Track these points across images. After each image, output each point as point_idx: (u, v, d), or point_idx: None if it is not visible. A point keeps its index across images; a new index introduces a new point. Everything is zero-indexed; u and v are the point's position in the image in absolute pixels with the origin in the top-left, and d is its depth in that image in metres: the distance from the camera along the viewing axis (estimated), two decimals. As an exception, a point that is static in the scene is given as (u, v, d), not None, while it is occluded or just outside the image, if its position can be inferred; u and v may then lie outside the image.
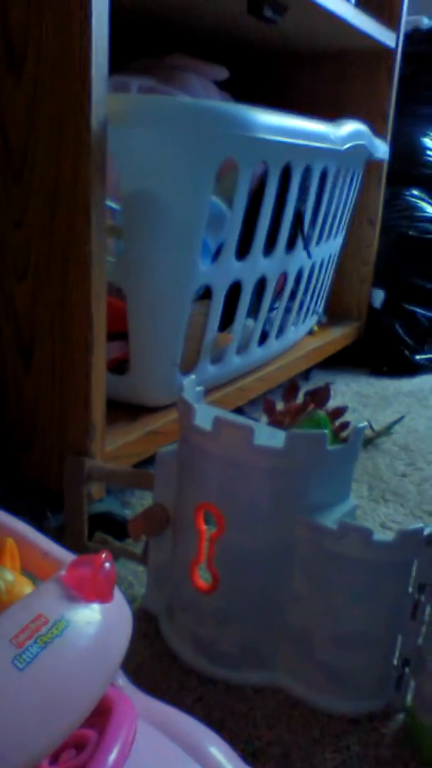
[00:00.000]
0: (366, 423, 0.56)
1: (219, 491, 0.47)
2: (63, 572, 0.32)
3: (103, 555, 0.32)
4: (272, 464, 0.45)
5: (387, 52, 1.16)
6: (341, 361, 1.29)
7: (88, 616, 0.30)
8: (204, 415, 0.48)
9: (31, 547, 0.35)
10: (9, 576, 0.33)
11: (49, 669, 0.27)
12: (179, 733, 0.34)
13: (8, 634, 0.28)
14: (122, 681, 0.37)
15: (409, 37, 1.46)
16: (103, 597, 0.31)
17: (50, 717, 0.27)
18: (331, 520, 0.46)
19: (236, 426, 0.45)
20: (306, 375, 1.19)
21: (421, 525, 0.45)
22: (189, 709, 0.46)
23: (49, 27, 0.53)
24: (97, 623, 0.30)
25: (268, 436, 0.48)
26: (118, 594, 0.33)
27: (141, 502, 0.73)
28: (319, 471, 0.46)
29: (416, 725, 0.45)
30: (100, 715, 0.32)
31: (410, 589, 0.46)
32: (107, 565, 0.32)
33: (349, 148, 0.88)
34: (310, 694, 0.48)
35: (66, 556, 0.35)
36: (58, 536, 0.60)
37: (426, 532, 0.45)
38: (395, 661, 0.48)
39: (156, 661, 0.51)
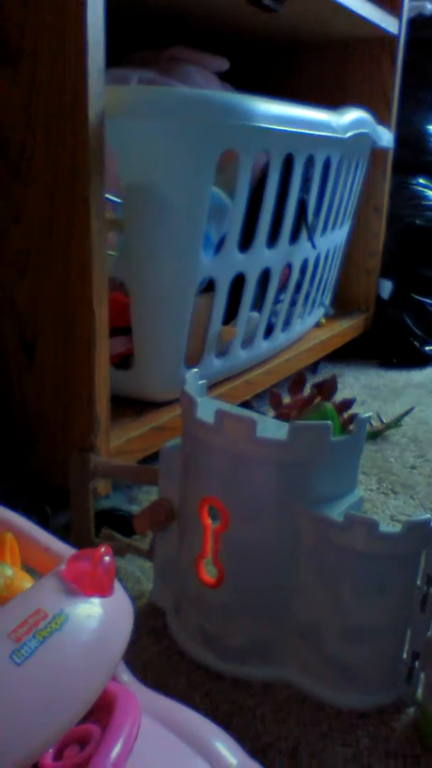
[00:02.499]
0: (371, 414, 0.55)
1: (223, 485, 0.47)
2: (63, 567, 0.32)
3: (102, 549, 0.31)
4: (276, 456, 0.45)
5: (390, 39, 1.14)
6: (350, 353, 1.28)
7: (88, 610, 0.30)
8: (207, 409, 0.47)
9: (32, 542, 0.35)
10: (9, 571, 0.33)
11: (48, 663, 0.27)
12: (184, 728, 0.34)
13: (6, 628, 0.27)
14: (126, 677, 0.36)
15: (412, 22, 1.45)
16: (103, 591, 0.31)
17: (49, 711, 0.27)
18: (336, 512, 0.46)
19: (238, 419, 0.44)
20: (314, 368, 1.19)
21: (427, 516, 0.44)
22: (197, 705, 0.46)
23: (44, 21, 0.53)
24: (96, 617, 0.30)
25: (275, 429, 0.48)
26: (118, 587, 0.32)
27: (148, 497, 0.72)
28: (323, 462, 0.46)
29: (426, 719, 0.45)
30: (104, 711, 0.32)
31: (419, 582, 0.46)
32: (107, 558, 0.31)
33: (352, 136, 0.87)
34: (319, 689, 0.47)
35: (66, 550, 0.34)
36: (65, 533, 0.60)
37: (433, 522, 0.44)
38: (405, 655, 0.47)
39: (163, 657, 0.50)
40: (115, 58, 0.68)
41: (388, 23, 1.10)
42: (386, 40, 1.15)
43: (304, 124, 0.75)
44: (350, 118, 0.87)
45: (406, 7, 1.16)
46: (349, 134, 0.85)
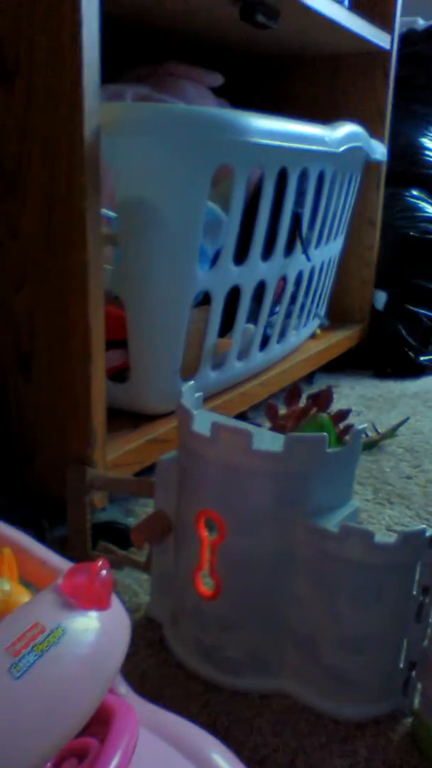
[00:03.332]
0: (366, 425, 0.55)
1: (219, 497, 0.47)
2: (60, 581, 0.32)
3: (100, 562, 0.31)
4: (271, 468, 0.45)
5: (382, 54, 1.16)
6: (345, 364, 1.29)
7: (85, 623, 0.30)
8: (203, 421, 0.48)
9: (29, 557, 0.35)
10: (6, 586, 0.33)
11: (46, 677, 0.27)
12: (181, 741, 0.34)
13: (4, 643, 0.28)
14: (124, 689, 0.37)
15: (405, 38, 1.47)
16: (101, 604, 0.31)
17: (47, 725, 0.27)
18: (332, 523, 0.46)
19: (234, 431, 0.45)
20: (310, 379, 1.19)
21: (423, 527, 0.44)
22: (194, 717, 0.46)
23: (40, 39, 0.53)
24: (94, 631, 0.30)
25: (271, 441, 0.48)
26: (115, 601, 0.32)
27: (144, 510, 0.73)
28: (319, 474, 0.46)
29: (424, 729, 0.45)
30: (102, 724, 0.32)
31: (414, 592, 0.46)
32: (104, 572, 0.31)
33: (346, 150, 0.88)
34: (316, 700, 0.47)
35: (63, 564, 0.34)
36: (62, 546, 0.60)
37: (428, 533, 0.44)
38: (401, 665, 0.47)
39: (161, 669, 0.51)
40: (110, 73, 0.69)
41: (381, 39, 1.12)
42: (379, 55, 1.16)
43: (297, 139, 0.76)
44: (343, 132, 0.88)
45: (398, 23, 1.17)
46: (342, 148, 0.86)
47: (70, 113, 0.54)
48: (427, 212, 1.36)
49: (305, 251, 0.90)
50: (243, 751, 0.43)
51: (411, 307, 1.33)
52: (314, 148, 0.80)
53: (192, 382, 0.53)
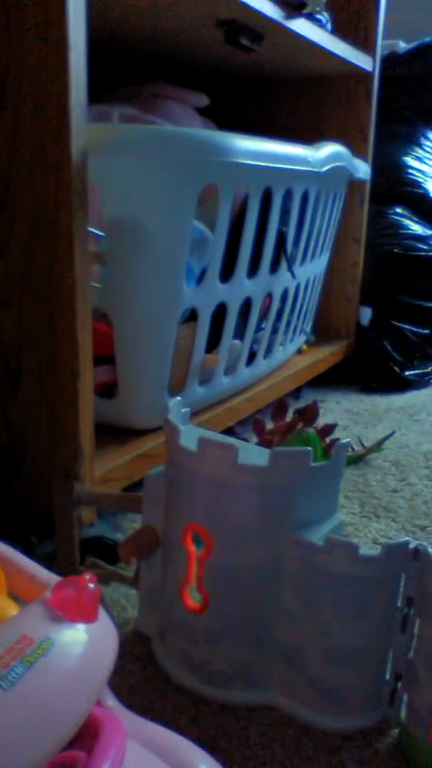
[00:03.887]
0: (350, 439, 0.56)
1: (206, 511, 0.48)
2: (48, 594, 0.32)
3: (87, 576, 0.32)
4: (257, 482, 0.46)
5: (365, 76, 1.18)
6: (331, 379, 1.30)
7: (73, 636, 0.31)
8: (190, 436, 0.48)
9: (17, 571, 0.36)
10: (-6, 600, 0.33)
11: (34, 689, 0.28)
12: (169, 753, 0.34)
13: (-7, 656, 0.28)
14: (111, 701, 0.37)
15: (387, 60, 1.50)
16: (88, 617, 0.32)
17: (36, 736, 0.27)
18: (317, 536, 0.47)
19: (220, 446, 0.45)
20: (296, 394, 1.20)
21: (406, 539, 0.45)
22: (183, 730, 0.46)
23: (27, 60, 0.55)
24: (82, 643, 0.31)
25: (257, 456, 0.49)
26: (103, 613, 0.33)
27: (132, 525, 0.73)
28: (304, 488, 0.47)
29: (410, 739, 0.45)
30: (90, 737, 0.32)
31: (399, 603, 0.46)
32: (91, 585, 0.32)
33: (329, 169, 0.90)
34: (304, 712, 0.48)
35: (51, 578, 0.35)
36: (50, 561, 0.61)
37: (411, 545, 0.45)
38: (387, 676, 0.48)
39: (149, 683, 0.51)
40: (96, 93, 0.71)
41: (362, 61, 1.14)
42: (361, 76, 1.19)
43: (281, 160, 0.78)
44: (327, 152, 0.90)
45: (380, 45, 1.20)
46: (325, 168, 0.88)
47: (57, 134, 0.55)
48: (410, 229, 1.39)
49: (290, 268, 0.92)
50: (231, 764, 0.44)
51: (396, 323, 1.35)
52: (298, 168, 0.82)
53: (179, 397, 0.54)
